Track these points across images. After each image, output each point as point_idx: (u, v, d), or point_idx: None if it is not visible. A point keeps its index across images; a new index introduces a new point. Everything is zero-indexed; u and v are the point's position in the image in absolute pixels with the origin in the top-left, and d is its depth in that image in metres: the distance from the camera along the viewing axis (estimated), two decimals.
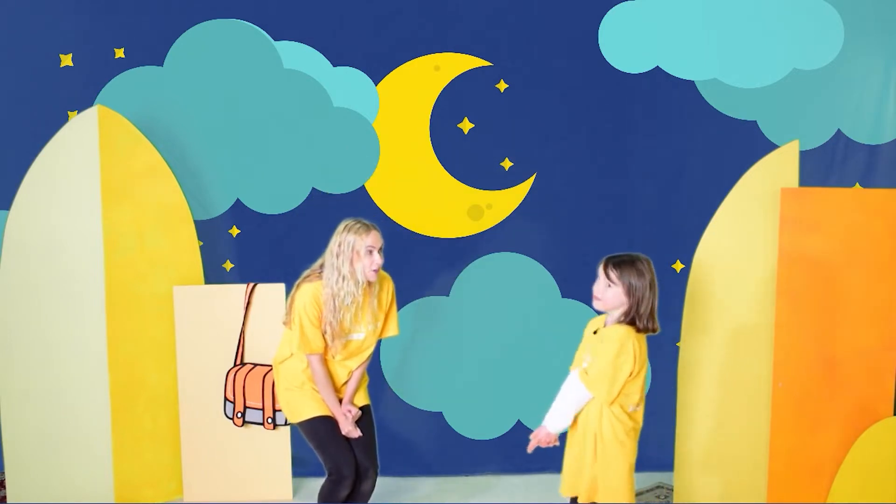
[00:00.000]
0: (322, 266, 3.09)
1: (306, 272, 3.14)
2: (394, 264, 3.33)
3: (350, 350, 3.16)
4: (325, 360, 3.13)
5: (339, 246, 3.03)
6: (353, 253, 3.01)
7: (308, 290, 3.07)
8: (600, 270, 2.76)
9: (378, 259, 3.04)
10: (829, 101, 4.00)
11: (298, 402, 3.17)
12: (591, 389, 2.72)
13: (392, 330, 3.27)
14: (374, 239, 3.04)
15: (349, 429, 3.11)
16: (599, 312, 2.87)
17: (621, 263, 2.72)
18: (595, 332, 2.82)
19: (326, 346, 3.10)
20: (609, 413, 2.74)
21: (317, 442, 3.13)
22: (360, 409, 3.21)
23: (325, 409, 3.13)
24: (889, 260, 3.39)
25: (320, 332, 3.07)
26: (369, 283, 3.10)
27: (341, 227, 3.07)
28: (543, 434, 2.84)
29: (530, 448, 2.87)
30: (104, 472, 3.76)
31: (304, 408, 3.15)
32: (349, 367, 3.18)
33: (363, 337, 3.16)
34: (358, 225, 3.05)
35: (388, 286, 3.24)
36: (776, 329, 3.47)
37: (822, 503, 3.45)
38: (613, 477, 2.75)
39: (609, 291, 2.72)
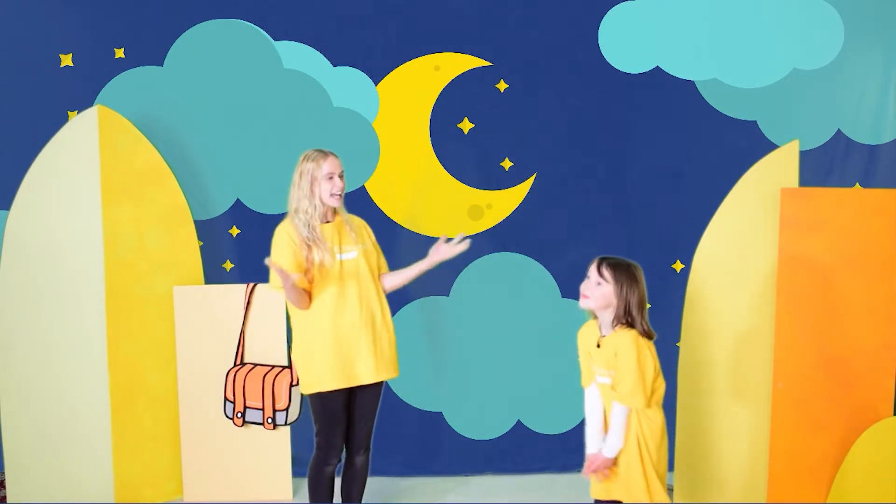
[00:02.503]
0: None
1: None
2: (394, 264, 3.33)
3: (347, 272, 3.11)
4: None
5: (301, 176, 3.09)
6: (312, 180, 3.07)
7: (281, 227, 3.11)
8: (592, 269, 2.76)
9: (339, 183, 3.10)
10: (829, 101, 4.00)
11: (311, 372, 3.11)
12: (628, 403, 2.71)
13: (385, 266, 3.33)
14: (331, 164, 3.09)
15: (451, 250, 3.28)
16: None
17: (617, 265, 2.73)
18: (598, 346, 2.78)
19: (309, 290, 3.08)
20: (644, 416, 2.75)
21: (317, 414, 3.15)
22: (374, 385, 3.19)
23: (338, 381, 3.09)
24: (889, 260, 3.39)
25: (298, 264, 3.03)
26: (335, 212, 3.15)
27: (301, 157, 3.13)
28: (602, 461, 2.75)
29: (587, 474, 2.79)
30: (104, 472, 3.76)
31: (314, 380, 3.10)
32: (360, 298, 3.11)
33: (356, 255, 3.15)
34: (315, 153, 3.11)
35: (365, 225, 3.29)
36: (776, 329, 3.47)
37: (821, 503, 3.46)
38: (658, 478, 2.76)
39: (598, 290, 2.72)
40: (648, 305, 2.82)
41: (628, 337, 2.69)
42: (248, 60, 3.98)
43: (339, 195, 3.11)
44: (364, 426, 3.23)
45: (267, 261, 2.96)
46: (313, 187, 3.07)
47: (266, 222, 4.03)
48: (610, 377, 2.75)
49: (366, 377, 3.13)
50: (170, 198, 3.85)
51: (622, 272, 2.71)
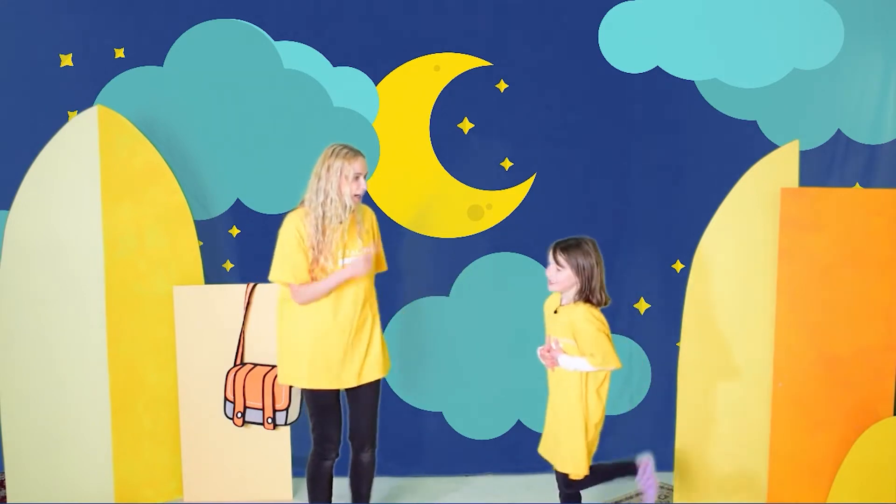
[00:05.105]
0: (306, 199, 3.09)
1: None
2: (394, 264, 3.33)
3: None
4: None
5: (328, 170, 3.04)
6: (340, 177, 3.03)
7: (290, 219, 3.10)
8: (550, 256, 2.96)
9: (363, 184, 3.08)
10: (829, 101, 4.00)
11: (294, 367, 3.13)
12: (608, 364, 2.89)
13: (382, 265, 3.31)
14: (360, 165, 3.07)
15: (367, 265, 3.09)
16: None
17: (568, 247, 2.93)
18: (555, 312, 2.99)
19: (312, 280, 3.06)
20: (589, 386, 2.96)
21: (310, 409, 3.17)
22: (371, 384, 3.20)
23: (322, 381, 3.10)
24: (889, 260, 3.39)
25: (305, 259, 3.04)
26: (350, 208, 3.12)
27: (329, 150, 3.08)
28: (552, 354, 2.96)
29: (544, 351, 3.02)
30: (104, 472, 3.76)
31: (296, 374, 3.13)
32: (355, 302, 3.10)
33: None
34: (346, 150, 3.07)
35: (372, 217, 3.27)
36: (776, 329, 3.47)
37: (821, 503, 3.46)
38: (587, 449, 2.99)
39: (560, 275, 2.94)
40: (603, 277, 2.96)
41: (582, 309, 2.90)
42: (248, 60, 3.98)
43: (360, 196, 3.10)
44: (364, 422, 3.23)
45: (367, 253, 3.04)
46: (341, 185, 3.04)
47: (266, 222, 4.05)
48: (569, 343, 2.94)
49: (349, 381, 3.13)
50: (170, 198, 3.85)
51: (574, 253, 2.92)
